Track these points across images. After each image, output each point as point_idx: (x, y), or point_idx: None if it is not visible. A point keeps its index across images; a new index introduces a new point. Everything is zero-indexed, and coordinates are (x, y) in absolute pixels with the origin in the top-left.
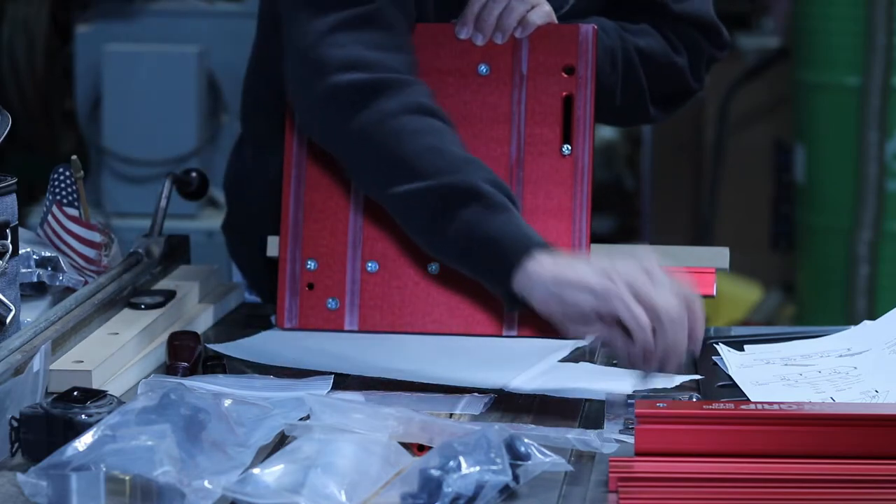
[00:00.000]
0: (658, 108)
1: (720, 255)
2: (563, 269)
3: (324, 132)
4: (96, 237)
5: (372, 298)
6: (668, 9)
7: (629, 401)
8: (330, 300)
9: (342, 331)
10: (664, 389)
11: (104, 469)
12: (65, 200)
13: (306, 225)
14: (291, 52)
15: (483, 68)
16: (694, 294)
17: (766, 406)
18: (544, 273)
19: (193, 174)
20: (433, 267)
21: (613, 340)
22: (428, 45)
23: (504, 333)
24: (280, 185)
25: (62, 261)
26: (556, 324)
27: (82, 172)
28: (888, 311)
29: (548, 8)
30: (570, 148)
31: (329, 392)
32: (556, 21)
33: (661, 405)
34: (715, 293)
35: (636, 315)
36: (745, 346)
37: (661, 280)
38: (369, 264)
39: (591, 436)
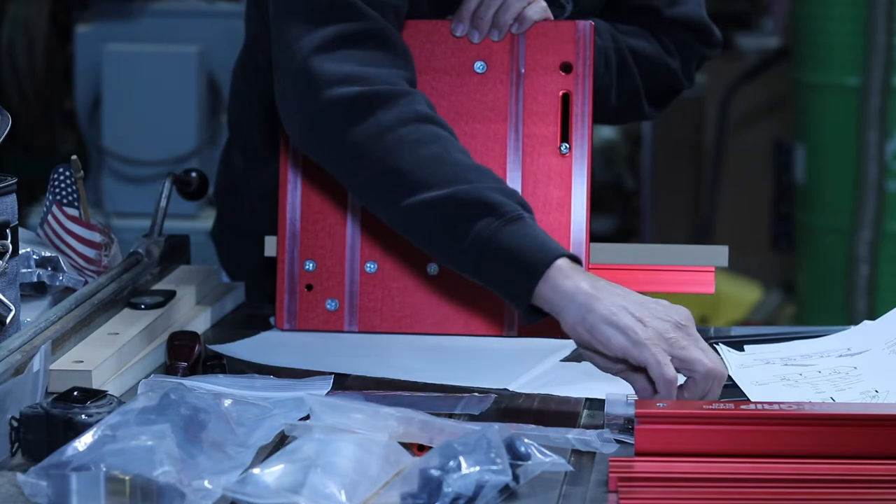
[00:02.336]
0: (650, 105)
1: (719, 254)
2: (598, 298)
3: (321, 148)
4: (96, 237)
5: (371, 300)
6: (660, 13)
7: (629, 401)
8: (329, 301)
9: (342, 332)
10: None
11: (104, 469)
12: (65, 200)
13: (304, 225)
14: (283, 66)
15: (479, 66)
16: (719, 361)
17: (766, 406)
18: (578, 295)
19: (193, 174)
20: (432, 268)
21: (634, 382)
22: (423, 43)
23: (504, 334)
24: (273, 191)
25: (62, 261)
26: (579, 346)
27: (82, 172)
28: (888, 311)
29: (544, 4)
30: (568, 146)
31: (329, 392)
32: (553, 17)
33: (661, 405)
34: (714, 291)
35: (665, 373)
36: (745, 346)
37: (693, 336)
38: (368, 265)
39: (591, 436)
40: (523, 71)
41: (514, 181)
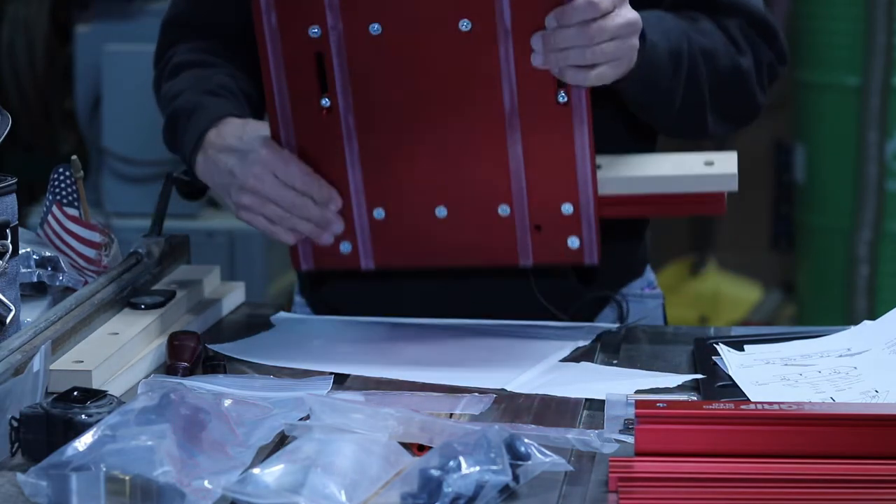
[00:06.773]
0: (717, 117)
1: (726, 179)
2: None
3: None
4: (96, 237)
5: (384, 242)
6: (716, 3)
7: (629, 401)
8: (343, 244)
9: (358, 270)
10: (664, 389)
11: (104, 469)
12: (65, 200)
13: None
14: None
15: (465, 24)
16: None
17: (766, 406)
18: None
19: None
20: (441, 211)
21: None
22: (403, 3)
23: (519, 264)
24: None
25: (62, 261)
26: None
27: (82, 172)
28: (888, 311)
29: None
30: (565, 95)
31: (329, 392)
32: None
33: (661, 405)
34: (725, 212)
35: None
36: (745, 346)
37: None
38: (376, 211)
39: (591, 436)
40: (510, 26)
41: (514, 138)
